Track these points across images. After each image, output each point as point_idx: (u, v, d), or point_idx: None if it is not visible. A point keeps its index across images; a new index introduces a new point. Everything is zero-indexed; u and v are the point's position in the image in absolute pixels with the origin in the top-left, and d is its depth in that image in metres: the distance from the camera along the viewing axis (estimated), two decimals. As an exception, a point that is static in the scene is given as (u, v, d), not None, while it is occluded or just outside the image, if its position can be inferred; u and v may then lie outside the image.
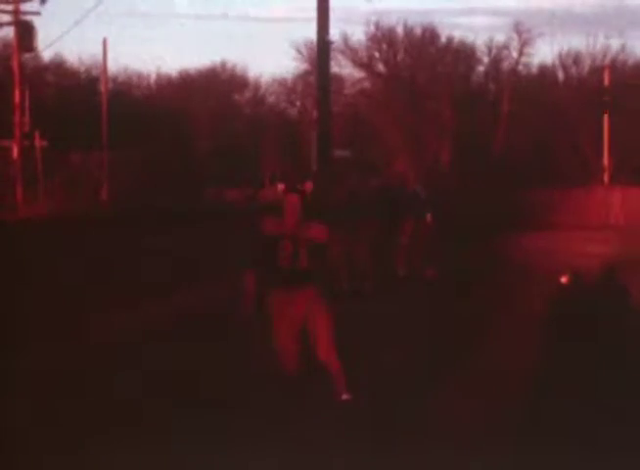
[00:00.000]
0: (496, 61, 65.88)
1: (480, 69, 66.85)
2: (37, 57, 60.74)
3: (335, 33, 21.58)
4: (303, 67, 68.10)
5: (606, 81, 53.53)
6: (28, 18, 44.86)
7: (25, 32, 44.36)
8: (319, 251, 8.39)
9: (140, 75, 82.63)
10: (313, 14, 22.89)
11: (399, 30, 64.57)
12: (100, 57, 53.25)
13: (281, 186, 8.42)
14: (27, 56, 50.47)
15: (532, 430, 7.72)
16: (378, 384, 9.24)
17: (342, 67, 63.50)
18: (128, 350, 11.05)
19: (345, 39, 62.91)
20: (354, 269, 15.65)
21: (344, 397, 8.48)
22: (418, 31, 64.67)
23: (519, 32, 64.22)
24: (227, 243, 24.08)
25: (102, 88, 51.87)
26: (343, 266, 15.21)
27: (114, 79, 71.02)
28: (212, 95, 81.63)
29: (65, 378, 9.62)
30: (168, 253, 22.77)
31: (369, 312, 13.56)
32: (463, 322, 12.80)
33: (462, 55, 64.92)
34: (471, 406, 8.40)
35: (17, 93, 44.78)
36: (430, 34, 64.64)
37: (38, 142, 45.23)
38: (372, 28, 64.00)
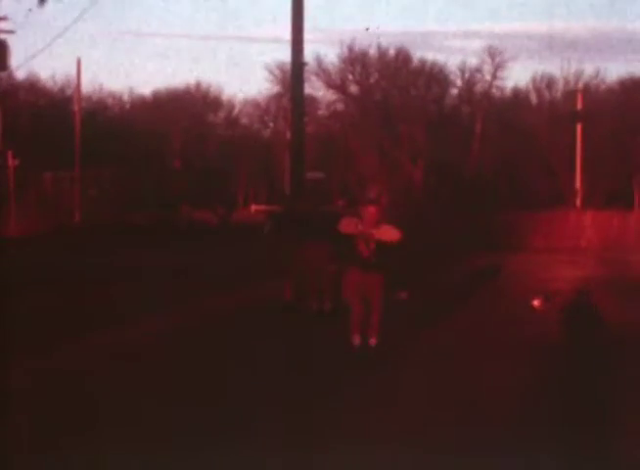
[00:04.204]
0: (469, 84, 66.25)
1: (454, 91, 67.20)
2: (11, 76, 60.65)
3: (308, 54, 21.67)
4: (276, 88, 68.31)
5: (579, 105, 53.85)
6: (2, 36, 44.72)
7: (-1, 51, 44.17)
8: (387, 249, 12.05)
9: (114, 95, 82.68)
10: (286, 35, 22.95)
11: (372, 52, 64.76)
12: (74, 76, 53.18)
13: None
14: (0, 74, 50.35)
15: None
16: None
17: (315, 88, 63.68)
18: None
19: (319, 61, 63.06)
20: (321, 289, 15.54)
21: (373, 341, 12.08)
22: (391, 53, 64.90)
23: (492, 56, 64.72)
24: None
25: (75, 107, 51.72)
26: (330, 286, 15.11)
27: (88, 99, 70.89)
28: (186, 115, 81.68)
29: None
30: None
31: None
32: (435, 347, 12.79)
33: (435, 78, 65.20)
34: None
35: (-12, 112, 44.73)
36: (403, 57, 64.86)
37: (10, 161, 45.08)
38: (345, 50, 64.22)
